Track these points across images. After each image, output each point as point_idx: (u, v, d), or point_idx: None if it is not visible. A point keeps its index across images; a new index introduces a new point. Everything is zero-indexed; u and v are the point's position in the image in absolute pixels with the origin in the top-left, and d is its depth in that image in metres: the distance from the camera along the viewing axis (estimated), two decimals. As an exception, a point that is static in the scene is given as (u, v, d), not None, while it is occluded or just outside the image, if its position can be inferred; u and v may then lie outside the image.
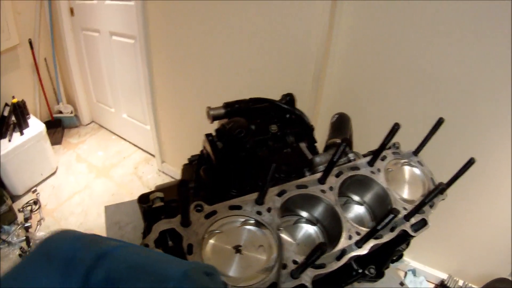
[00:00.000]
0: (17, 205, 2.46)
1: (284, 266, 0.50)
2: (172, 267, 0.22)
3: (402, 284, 1.03)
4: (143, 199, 0.76)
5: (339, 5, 1.38)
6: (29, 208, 2.44)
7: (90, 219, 2.40)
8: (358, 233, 0.58)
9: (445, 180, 0.65)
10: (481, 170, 1.49)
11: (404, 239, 0.64)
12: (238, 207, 0.55)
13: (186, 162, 0.88)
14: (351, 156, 0.74)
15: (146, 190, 2.52)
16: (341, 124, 0.86)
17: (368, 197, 0.71)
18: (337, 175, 0.65)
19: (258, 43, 1.63)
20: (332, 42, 1.48)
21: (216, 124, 0.84)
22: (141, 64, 2.33)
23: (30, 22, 2.81)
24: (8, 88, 2.68)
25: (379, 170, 0.69)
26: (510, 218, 1.57)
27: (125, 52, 2.57)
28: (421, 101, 1.47)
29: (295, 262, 0.51)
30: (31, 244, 2.18)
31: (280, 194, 0.59)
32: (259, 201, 0.56)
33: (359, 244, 0.56)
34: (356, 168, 0.68)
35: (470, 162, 0.64)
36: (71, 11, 2.83)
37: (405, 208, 0.65)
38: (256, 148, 0.78)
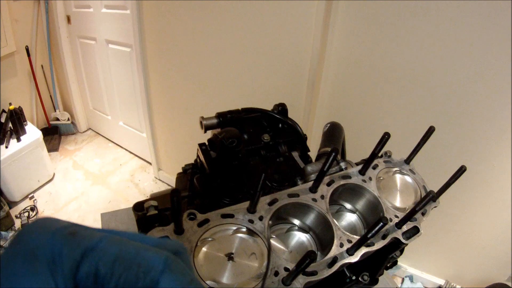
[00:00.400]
0: (14, 211, 2.46)
1: (276, 273, 0.50)
2: (152, 256, 0.23)
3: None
4: (138, 207, 0.77)
5: (333, 8, 1.40)
6: (26, 214, 2.44)
7: (86, 226, 2.39)
8: (349, 241, 0.59)
9: (439, 187, 0.66)
10: (477, 175, 1.50)
11: (396, 246, 0.64)
12: (231, 216, 0.56)
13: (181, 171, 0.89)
14: (342, 165, 0.75)
15: (142, 198, 2.51)
16: (332, 133, 0.87)
17: (360, 205, 0.72)
18: (329, 184, 0.66)
19: (252, 51, 1.65)
20: (326, 49, 1.50)
21: (211, 133, 0.85)
22: (137, 72, 2.35)
23: (27, 30, 2.83)
24: (5, 95, 2.69)
25: (370, 178, 0.70)
26: (509, 223, 1.56)
27: (122, 60, 2.58)
28: (414, 110, 1.48)
29: (286, 269, 0.51)
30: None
31: (271, 203, 0.60)
32: (251, 210, 0.57)
33: (351, 251, 0.57)
34: (347, 176, 0.69)
35: (462, 170, 0.65)
36: (68, 19, 2.85)
37: (396, 216, 0.65)
38: (248, 157, 0.78)
